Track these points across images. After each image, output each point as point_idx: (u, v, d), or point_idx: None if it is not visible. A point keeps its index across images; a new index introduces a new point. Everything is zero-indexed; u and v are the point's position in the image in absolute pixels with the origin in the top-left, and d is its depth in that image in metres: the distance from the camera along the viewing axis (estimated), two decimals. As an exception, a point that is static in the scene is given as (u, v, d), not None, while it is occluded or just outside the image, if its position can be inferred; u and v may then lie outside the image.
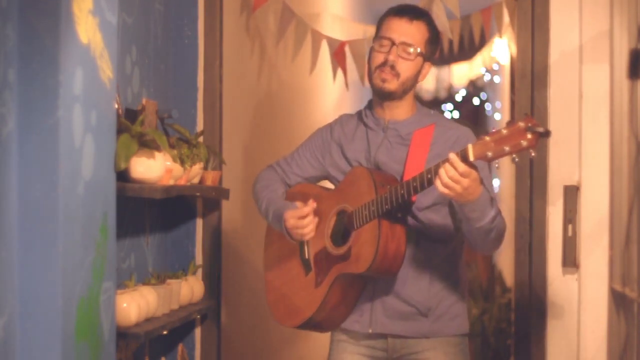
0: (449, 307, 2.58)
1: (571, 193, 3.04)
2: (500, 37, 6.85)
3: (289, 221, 2.55)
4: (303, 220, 2.53)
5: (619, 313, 2.95)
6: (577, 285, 3.04)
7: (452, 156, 2.20)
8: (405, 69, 2.53)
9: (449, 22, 3.53)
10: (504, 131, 2.13)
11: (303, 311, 2.62)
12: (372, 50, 2.58)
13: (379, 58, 2.54)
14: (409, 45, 2.53)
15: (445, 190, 2.23)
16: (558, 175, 3.06)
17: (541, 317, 3.07)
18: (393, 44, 2.53)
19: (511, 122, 2.14)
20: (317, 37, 4.22)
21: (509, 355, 5.83)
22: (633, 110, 2.82)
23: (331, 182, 2.72)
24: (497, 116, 8.80)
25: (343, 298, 2.57)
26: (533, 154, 2.14)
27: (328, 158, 2.70)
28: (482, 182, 2.28)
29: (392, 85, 2.53)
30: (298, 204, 2.58)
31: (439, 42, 2.63)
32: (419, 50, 2.53)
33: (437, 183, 2.23)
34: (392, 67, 2.52)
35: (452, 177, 2.20)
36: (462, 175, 2.20)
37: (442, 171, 2.21)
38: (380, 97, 2.57)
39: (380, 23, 2.60)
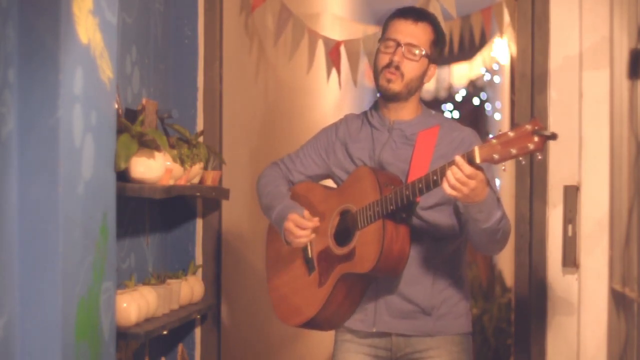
0: (453, 306, 2.58)
1: (571, 193, 3.04)
2: (501, 37, 6.84)
3: (288, 222, 2.56)
4: (301, 230, 2.54)
5: (619, 313, 2.95)
6: (577, 285, 3.04)
7: (459, 158, 2.21)
8: (410, 69, 2.54)
9: (448, 22, 3.54)
10: (511, 134, 2.13)
11: (306, 310, 2.62)
12: (377, 51, 2.59)
13: (384, 59, 2.55)
14: (414, 46, 2.53)
15: (453, 192, 2.23)
16: (558, 175, 3.06)
17: (541, 317, 3.07)
18: (398, 45, 2.53)
19: (517, 125, 2.14)
20: (314, 36, 4.21)
21: (509, 355, 5.82)
22: (633, 110, 2.82)
23: (334, 181, 2.72)
24: (497, 116, 8.80)
25: (346, 297, 2.57)
26: (540, 157, 2.16)
27: (332, 157, 2.70)
28: (488, 183, 2.29)
29: (397, 85, 2.54)
30: (306, 213, 2.58)
31: (444, 44, 2.64)
32: (424, 51, 2.54)
33: (444, 185, 2.23)
34: (397, 68, 2.53)
35: (459, 179, 2.21)
36: (468, 177, 2.20)
37: (449, 173, 2.22)
38: (386, 98, 2.58)
39: (386, 25, 2.61)
